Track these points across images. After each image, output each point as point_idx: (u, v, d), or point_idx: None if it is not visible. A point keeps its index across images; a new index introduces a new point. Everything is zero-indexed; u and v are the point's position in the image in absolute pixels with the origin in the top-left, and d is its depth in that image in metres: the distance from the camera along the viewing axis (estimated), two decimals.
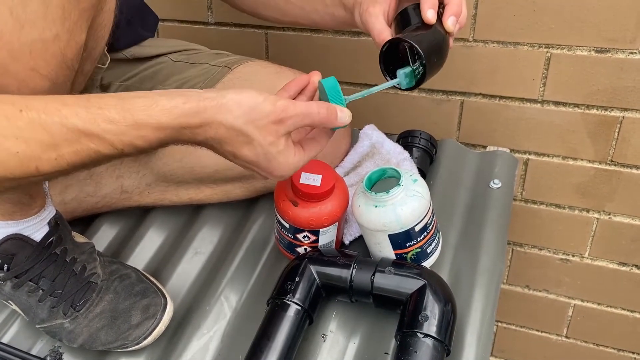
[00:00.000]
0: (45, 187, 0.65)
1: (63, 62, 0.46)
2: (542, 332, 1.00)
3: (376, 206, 0.58)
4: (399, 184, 0.57)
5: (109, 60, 0.64)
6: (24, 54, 0.43)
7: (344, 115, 0.49)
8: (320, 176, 0.60)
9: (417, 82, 0.55)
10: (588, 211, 0.87)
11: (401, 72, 0.54)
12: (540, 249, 0.93)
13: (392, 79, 0.55)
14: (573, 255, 0.91)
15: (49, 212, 0.64)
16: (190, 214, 0.77)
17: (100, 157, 0.44)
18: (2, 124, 0.40)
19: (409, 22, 0.57)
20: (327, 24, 0.70)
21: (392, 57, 0.56)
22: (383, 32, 0.58)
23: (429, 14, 0.55)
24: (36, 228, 0.62)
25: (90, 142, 0.42)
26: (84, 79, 0.57)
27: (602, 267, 0.90)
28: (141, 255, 0.73)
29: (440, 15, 0.57)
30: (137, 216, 0.78)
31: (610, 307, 0.93)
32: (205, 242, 0.73)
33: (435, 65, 0.55)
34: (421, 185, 0.59)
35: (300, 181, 0.60)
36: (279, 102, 0.46)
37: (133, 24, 0.74)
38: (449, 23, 0.56)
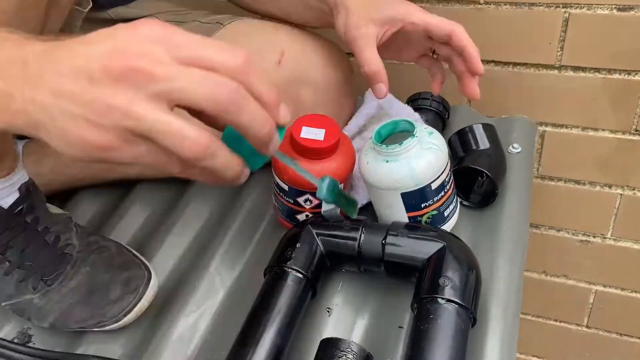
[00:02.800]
0: (17, 149, 0.58)
1: None
2: (560, 322, 0.93)
3: (387, 161, 0.51)
4: (414, 135, 0.50)
5: (90, 5, 0.58)
6: None
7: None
8: (324, 130, 0.54)
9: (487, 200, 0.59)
10: (610, 187, 0.81)
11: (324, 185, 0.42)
12: (558, 230, 0.86)
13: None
14: (594, 236, 0.85)
15: (20, 177, 0.57)
16: (179, 188, 0.70)
17: None
18: None
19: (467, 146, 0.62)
20: (299, 16, 0.64)
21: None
22: (373, 61, 0.53)
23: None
24: (5, 193, 0.56)
25: None
26: (60, 15, 0.51)
27: (626, 249, 0.84)
28: (124, 231, 0.66)
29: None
30: (121, 190, 0.71)
31: (636, 292, 0.86)
32: (195, 216, 0.66)
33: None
34: (438, 137, 0.52)
35: (301, 135, 0.53)
36: None
37: None
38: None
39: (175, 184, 0.71)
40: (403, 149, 0.50)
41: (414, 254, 0.50)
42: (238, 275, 0.58)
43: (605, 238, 0.84)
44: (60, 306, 0.53)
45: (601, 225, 0.84)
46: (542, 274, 0.90)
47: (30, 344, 0.55)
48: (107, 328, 0.53)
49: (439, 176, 0.51)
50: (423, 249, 0.49)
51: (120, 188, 0.71)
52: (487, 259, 0.55)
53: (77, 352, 0.53)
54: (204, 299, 0.56)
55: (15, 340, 0.55)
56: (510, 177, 0.63)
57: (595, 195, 0.81)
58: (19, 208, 0.55)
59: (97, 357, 0.45)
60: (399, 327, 0.51)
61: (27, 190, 0.57)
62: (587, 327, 0.91)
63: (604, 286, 0.87)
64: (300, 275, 0.50)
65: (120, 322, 0.52)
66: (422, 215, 0.53)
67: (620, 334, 0.90)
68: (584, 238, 0.85)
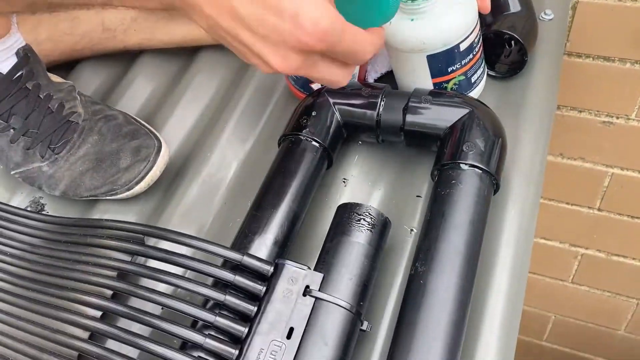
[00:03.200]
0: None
1: None
2: (572, 204, 0.93)
3: (413, 19, 0.47)
4: None
5: None
6: None
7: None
8: None
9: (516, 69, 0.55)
10: None
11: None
12: (580, 111, 0.83)
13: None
14: (618, 117, 0.81)
15: (16, 40, 0.54)
16: (186, 59, 0.66)
17: None
18: None
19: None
20: None
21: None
22: None
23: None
24: (1, 57, 0.52)
25: None
26: None
27: None
28: (130, 104, 0.63)
29: None
30: (125, 61, 0.67)
31: None
32: (204, 87, 0.63)
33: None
34: None
35: None
36: None
37: None
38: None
39: (179, 56, 0.67)
40: (430, 3, 0.45)
41: (437, 122, 0.47)
42: (251, 147, 0.57)
43: (629, 119, 0.81)
44: (71, 174, 0.52)
45: (626, 106, 0.80)
46: (558, 156, 0.88)
47: (43, 212, 0.54)
48: (119, 196, 0.52)
49: (468, 36, 0.47)
50: (447, 116, 0.47)
51: (122, 60, 0.67)
52: (512, 131, 0.52)
53: None
54: (217, 169, 0.55)
55: (29, 209, 0.55)
56: (541, 46, 0.58)
57: (624, 73, 0.77)
58: (19, 74, 0.52)
59: (112, 220, 0.45)
60: (417, 196, 0.50)
61: (26, 55, 0.53)
62: (599, 209, 0.91)
63: (621, 169, 0.86)
64: (316, 144, 0.48)
65: (132, 191, 0.52)
66: (448, 81, 0.50)
67: (632, 217, 0.90)
68: (606, 119, 0.82)
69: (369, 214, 0.42)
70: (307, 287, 0.38)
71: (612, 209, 0.91)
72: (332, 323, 0.37)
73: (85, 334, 0.38)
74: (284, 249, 0.44)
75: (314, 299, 0.37)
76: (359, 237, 0.40)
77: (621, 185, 0.87)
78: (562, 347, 1.15)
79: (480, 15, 0.57)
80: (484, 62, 0.53)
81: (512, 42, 0.54)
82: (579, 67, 0.79)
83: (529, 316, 1.13)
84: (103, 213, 0.53)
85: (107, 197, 0.52)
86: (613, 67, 0.77)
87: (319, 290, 0.38)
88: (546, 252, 1.01)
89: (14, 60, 0.53)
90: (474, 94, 0.52)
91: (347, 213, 0.42)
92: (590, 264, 0.99)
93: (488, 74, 0.56)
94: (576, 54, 0.78)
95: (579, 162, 0.88)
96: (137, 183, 0.51)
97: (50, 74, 0.57)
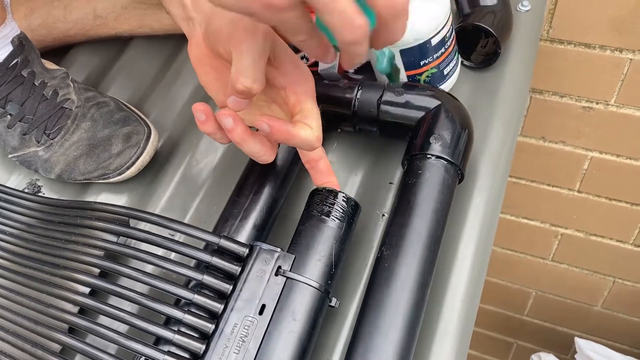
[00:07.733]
0: (5, 1, 0.56)
1: None
2: (553, 186, 0.96)
3: None
4: None
5: None
6: None
7: None
8: None
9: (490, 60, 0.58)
10: (621, 51, 0.77)
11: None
12: (562, 96, 0.85)
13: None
14: (597, 103, 0.84)
15: (11, 29, 0.56)
16: (175, 45, 0.69)
17: None
18: None
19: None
20: None
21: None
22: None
23: None
24: None
25: None
26: None
27: (627, 116, 0.83)
28: (121, 89, 0.66)
29: None
30: (116, 47, 0.69)
31: (630, 159, 0.87)
32: (192, 74, 0.65)
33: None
34: None
35: None
36: None
37: None
38: None
39: (169, 43, 0.69)
40: None
41: (408, 113, 0.50)
42: None
43: (608, 105, 0.83)
44: (65, 159, 0.55)
45: (606, 92, 0.82)
46: (540, 139, 0.91)
47: (39, 194, 0.58)
48: (111, 180, 0.55)
49: (439, 31, 0.49)
50: (418, 108, 0.49)
51: (113, 46, 0.70)
52: (483, 120, 0.55)
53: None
54: (204, 155, 0.58)
55: (26, 191, 0.58)
56: (516, 37, 0.61)
57: (604, 59, 0.79)
58: (14, 61, 0.55)
59: (100, 203, 0.48)
60: (390, 183, 0.53)
61: (21, 43, 0.56)
62: (579, 191, 0.94)
63: (600, 152, 0.88)
64: None
65: (123, 175, 0.55)
66: (421, 74, 0.52)
67: (609, 199, 0.93)
68: (587, 104, 0.84)
69: (339, 199, 0.45)
70: (279, 267, 0.41)
71: (591, 191, 0.94)
72: (301, 300, 0.40)
73: (75, 309, 0.42)
74: (262, 232, 0.47)
75: (285, 279, 0.41)
76: (328, 221, 0.43)
77: (600, 168, 0.90)
78: (541, 322, 1.20)
79: (458, 6, 0.60)
80: (457, 54, 0.55)
81: (488, 34, 0.57)
82: (561, 53, 0.81)
83: (511, 292, 1.17)
84: (96, 195, 0.57)
85: (100, 181, 0.56)
86: (593, 54, 0.79)
87: (290, 271, 0.41)
88: (528, 231, 1.04)
89: (9, 48, 0.55)
90: (447, 85, 0.54)
91: (318, 198, 0.45)
92: (569, 243, 1.03)
93: (464, 64, 0.58)
94: (558, 41, 0.80)
95: (560, 145, 0.90)
96: (128, 168, 0.54)
97: (44, 60, 0.60)
